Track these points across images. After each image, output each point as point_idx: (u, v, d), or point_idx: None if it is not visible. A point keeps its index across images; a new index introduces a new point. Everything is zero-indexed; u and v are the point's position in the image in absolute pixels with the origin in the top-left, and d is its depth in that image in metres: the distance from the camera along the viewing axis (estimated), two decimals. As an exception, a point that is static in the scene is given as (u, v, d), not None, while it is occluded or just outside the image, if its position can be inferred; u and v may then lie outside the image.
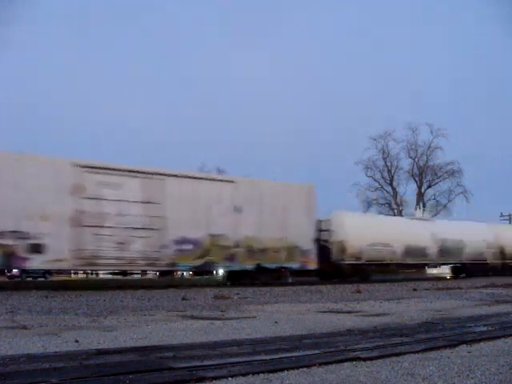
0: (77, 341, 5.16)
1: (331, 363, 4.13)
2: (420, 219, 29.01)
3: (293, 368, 3.92)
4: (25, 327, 6.30)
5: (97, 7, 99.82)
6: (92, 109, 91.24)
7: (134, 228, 16.39)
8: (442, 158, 50.02)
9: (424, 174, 50.98)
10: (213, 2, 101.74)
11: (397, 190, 51.53)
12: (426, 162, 50.87)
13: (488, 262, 28.33)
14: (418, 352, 4.66)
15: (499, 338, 5.62)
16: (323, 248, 21.31)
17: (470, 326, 6.67)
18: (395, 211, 49.25)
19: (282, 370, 3.86)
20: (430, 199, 51.55)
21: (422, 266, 28.74)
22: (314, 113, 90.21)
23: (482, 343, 5.25)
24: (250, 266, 18.71)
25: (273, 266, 19.19)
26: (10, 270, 24.78)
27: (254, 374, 3.71)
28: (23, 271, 24.04)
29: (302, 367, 3.96)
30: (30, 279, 28.89)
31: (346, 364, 4.14)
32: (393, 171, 51.47)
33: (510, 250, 29.49)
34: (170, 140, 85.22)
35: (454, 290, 15.11)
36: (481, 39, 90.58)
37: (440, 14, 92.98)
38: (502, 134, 78.67)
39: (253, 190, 19.10)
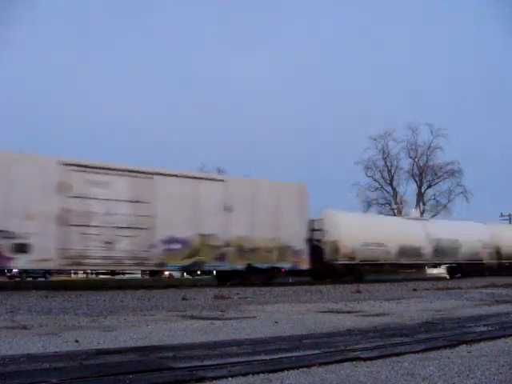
0: (77, 341, 5.16)
1: (331, 363, 4.13)
2: (415, 219, 28.84)
3: (293, 368, 3.92)
4: (25, 327, 6.30)
5: (97, 7, 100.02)
6: (92, 109, 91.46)
7: (121, 227, 16.20)
8: (442, 158, 50.06)
9: (424, 174, 50.97)
10: (213, 2, 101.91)
11: (397, 189, 51.56)
12: (426, 162, 50.88)
13: (484, 262, 28.25)
14: (418, 352, 4.66)
15: (499, 338, 5.62)
16: (316, 248, 21.14)
17: (470, 326, 6.67)
18: (395, 211, 49.24)
19: (282, 370, 3.86)
20: (429, 199, 51.58)
21: (417, 266, 28.59)
22: (314, 113, 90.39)
23: (482, 343, 5.25)
24: (240, 265, 18.53)
25: (264, 266, 19.02)
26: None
27: (254, 374, 3.71)
28: (22, 271, 23.99)
29: (302, 367, 3.96)
30: (30, 279, 28.93)
31: (346, 364, 4.14)
32: (393, 171, 51.49)
33: (507, 250, 29.44)
34: (170, 140, 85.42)
35: (454, 290, 15.11)
36: (481, 39, 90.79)
37: (440, 14, 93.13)
38: (502, 133, 78.82)
39: (244, 190, 18.93)
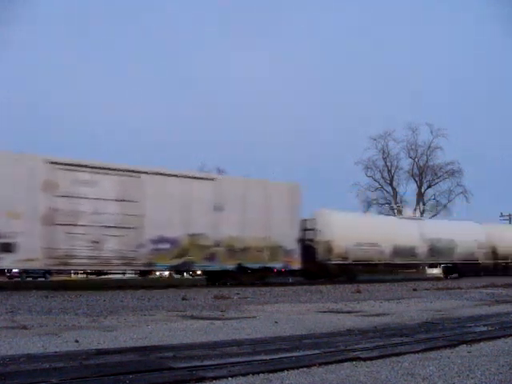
0: (77, 341, 5.16)
1: (331, 363, 4.13)
2: (410, 218, 28.66)
3: (293, 368, 3.93)
4: (25, 327, 6.30)
5: (97, 7, 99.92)
6: (92, 109, 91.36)
7: (109, 227, 15.97)
8: (442, 158, 49.98)
9: (424, 174, 50.94)
10: (213, 2, 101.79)
11: (397, 189, 51.51)
12: (426, 162, 50.83)
13: (480, 262, 28.12)
14: (418, 352, 4.66)
15: (499, 337, 5.62)
16: (308, 248, 20.94)
17: (470, 326, 6.67)
18: (395, 211, 49.26)
19: (281, 370, 3.87)
20: (430, 199, 51.52)
21: (412, 266, 28.25)
22: (314, 113, 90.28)
23: (481, 343, 5.25)
24: (230, 265, 18.31)
25: (255, 265, 18.84)
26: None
27: (254, 374, 3.71)
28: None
29: (302, 367, 3.96)
30: (30, 279, 28.93)
31: (346, 364, 4.14)
32: (393, 171, 51.45)
33: (502, 250, 29.35)
34: (170, 140, 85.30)
35: (454, 290, 15.12)
36: (481, 39, 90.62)
37: (440, 14, 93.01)
38: (502, 133, 78.71)
39: (235, 189, 18.69)
